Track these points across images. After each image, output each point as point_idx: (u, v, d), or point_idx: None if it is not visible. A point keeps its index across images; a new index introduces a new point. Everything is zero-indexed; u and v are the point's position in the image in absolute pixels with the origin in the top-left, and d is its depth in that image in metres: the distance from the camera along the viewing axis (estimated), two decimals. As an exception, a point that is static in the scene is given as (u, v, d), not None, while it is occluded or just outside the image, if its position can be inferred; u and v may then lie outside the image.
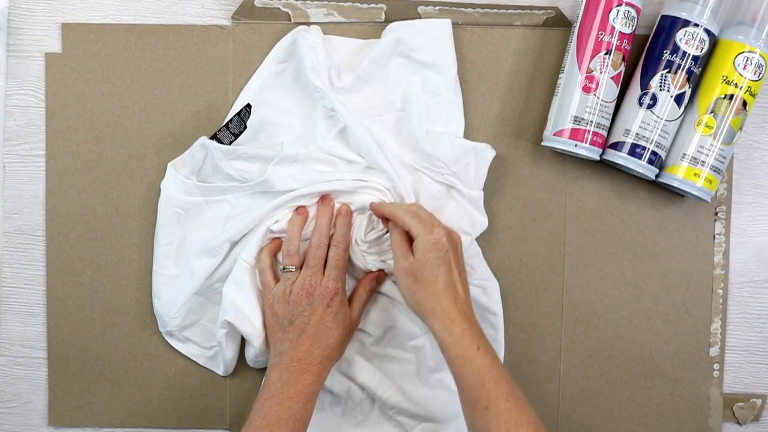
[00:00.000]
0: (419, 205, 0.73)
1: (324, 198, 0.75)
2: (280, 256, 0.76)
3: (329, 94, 0.75)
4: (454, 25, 0.78)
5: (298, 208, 0.75)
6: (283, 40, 0.78)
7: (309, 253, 0.74)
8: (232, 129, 0.75)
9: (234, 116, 0.76)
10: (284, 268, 0.74)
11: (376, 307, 0.77)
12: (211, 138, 0.75)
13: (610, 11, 0.73)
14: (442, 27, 0.77)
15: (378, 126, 0.77)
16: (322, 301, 0.72)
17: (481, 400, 0.64)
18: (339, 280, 0.73)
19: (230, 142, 0.75)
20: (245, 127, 0.76)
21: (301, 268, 0.74)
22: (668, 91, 0.73)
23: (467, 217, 0.76)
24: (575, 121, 0.73)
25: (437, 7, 0.78)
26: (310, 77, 0.75)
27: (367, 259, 0.75)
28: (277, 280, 0.75)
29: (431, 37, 0.77)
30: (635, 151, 0.74)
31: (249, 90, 0.78)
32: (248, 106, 0.76)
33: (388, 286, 0.77)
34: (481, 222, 0.77)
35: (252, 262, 0.75)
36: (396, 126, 0.77)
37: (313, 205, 0.76)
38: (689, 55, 0.72)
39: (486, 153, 0.76)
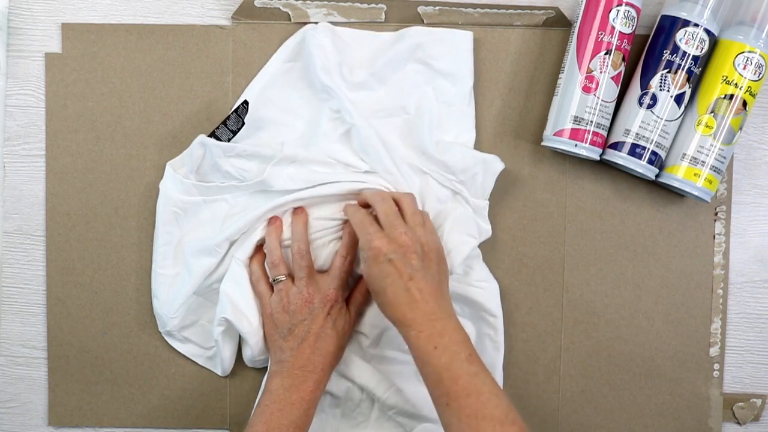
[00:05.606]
0: (387, 203, 0.72)
1: (297, 209, 0.75)
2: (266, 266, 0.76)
3: (339, 94, 0.75)
4: (454, 25, 0.78)
5: (271, 218, 0.75)
6: (291, 39, 0.78)
7: (294, 264, 0.73)
8: (230, 126, 0.75)
9: (231, 113, 0.76)
10: (274, 280, 0.74)
11: (371, 308, 0.77)
12: (209, 136, 0.75)
13: (610, 11, 0.72)
14: (464, 38, 0.77)
15: (386, 127, 0.77)
16: (323, 310, 0.72)
17: (441, 397, 0.65)
18: (339, 288, 0.73)
19: (228, 140, 0.75)
20: (243, 124, 0.75)
21: (289, 275, 0.74)
22: (668, 91, 0.73)
23: (472, 223, 0.76)
24: (575, 121, 0.73)
25: (437, 8, 0.78)
26: (321, 77, 0.75)
27: None
28: (272, 288, 0.74)
29: (452, 47, 0.76)
30: (635, 151, 0.74)
31: (253, 87, 0.78)
32: (245, 102, 0.76)
33: None
34: (485, 230, 0.77)
35: (248, 261, 0.75)
36: (404, 129, 0.77)
37: (288, 213, 0.75)
38: (689, 55, 0.72)
39: (494, 165, 0.76)
